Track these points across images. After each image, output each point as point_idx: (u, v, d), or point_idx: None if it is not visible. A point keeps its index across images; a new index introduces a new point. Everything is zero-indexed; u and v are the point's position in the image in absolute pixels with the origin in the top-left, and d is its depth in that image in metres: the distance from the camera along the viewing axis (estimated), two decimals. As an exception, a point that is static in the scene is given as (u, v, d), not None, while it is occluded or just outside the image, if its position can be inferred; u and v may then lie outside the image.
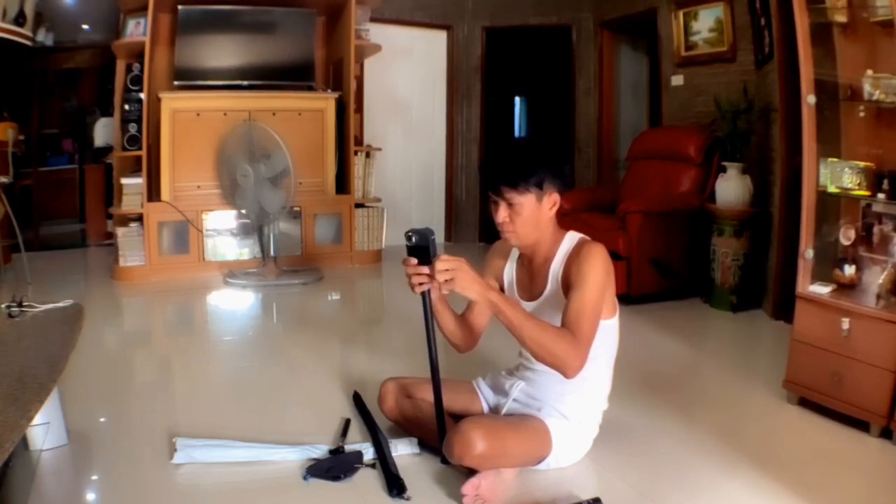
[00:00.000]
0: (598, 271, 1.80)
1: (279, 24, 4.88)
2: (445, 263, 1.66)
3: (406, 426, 2.13)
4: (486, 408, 2.10)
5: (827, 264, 2.45)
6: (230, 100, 4.72)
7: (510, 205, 1.84)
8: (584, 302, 1.76)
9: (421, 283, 1.72)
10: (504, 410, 2.01)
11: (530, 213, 1.85)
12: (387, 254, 5.27)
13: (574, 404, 1.92)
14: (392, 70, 5.82)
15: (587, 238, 1.93)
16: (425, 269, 1.70)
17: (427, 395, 2.04)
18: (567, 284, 1.84)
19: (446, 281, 1.67)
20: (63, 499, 1.87)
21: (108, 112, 5.41)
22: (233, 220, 4.77)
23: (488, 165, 1.96)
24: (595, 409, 1.98)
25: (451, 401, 2.01)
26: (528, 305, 1.94)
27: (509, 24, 6.13)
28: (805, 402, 2.43)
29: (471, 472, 1.78)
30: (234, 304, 4.24)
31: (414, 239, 1.69)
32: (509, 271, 2.06)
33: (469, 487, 1.72)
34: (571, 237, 1.94)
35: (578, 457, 1.97)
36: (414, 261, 1.71)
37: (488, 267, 2.10)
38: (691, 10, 4.75)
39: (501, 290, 2.05)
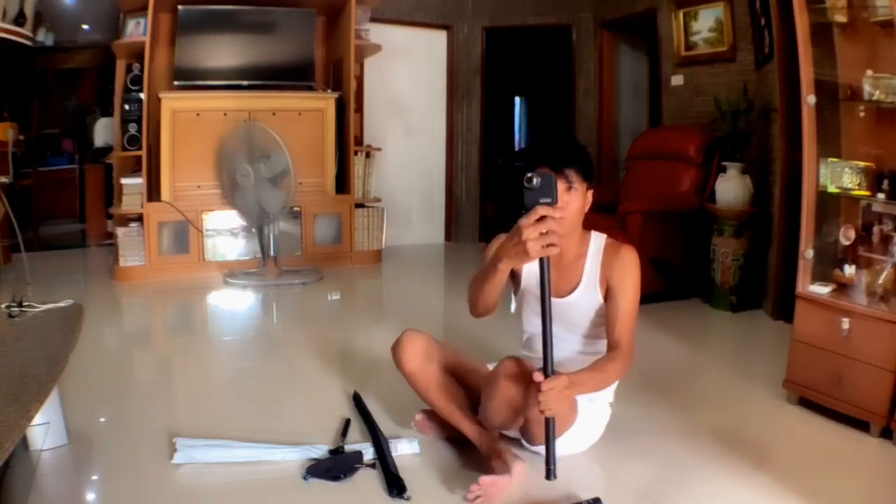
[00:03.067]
0: (638, 278, 1.88)
1: (279, 24, 4.88)
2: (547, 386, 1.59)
3: (424, 390, 2.00)
4: None
5: (827, 264, 2.45)
6: (230, 100, 4.72)
7: (569, 189, 1.79)
8: (629, 311, 1.85)
9: (549, 245, 1.50)
10: None
11: (580, 205, 1.84)
12: (387, 254, 5.27)
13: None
14: (392, 70, 5.82)
15: (613, 240, 1.97)
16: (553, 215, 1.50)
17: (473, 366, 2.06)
18: (607, 285, 1.89)
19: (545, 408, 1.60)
20: (63, 499, 1.87)
21: (108, 112, 5.41)
22: (233, 220, 4.77)
23: (532, 142, 1.93)
24: (609, 392, 2.03)
25: (470, 378, 2.03)
26: (557, 301, 1.92)
27: (509, 24, 6.13)
28: (805, 402, 2.43)
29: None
30: (234, 304, 4.24)
31: (535, 181, 1.46)
32: (529, 265, 1.96)
33: (486, 481, 1.73)
34: (598, 237, 1.97)
35: (594, 439, 2.01)
36: (541, 212, 1.47)
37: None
38: (691, 10, 4.75)
39: (514, 279, 2.03)
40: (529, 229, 1.48)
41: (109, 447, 2.11)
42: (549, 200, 1.47)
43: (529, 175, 1.44)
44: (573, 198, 1.80)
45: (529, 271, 1.99)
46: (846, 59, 2.41)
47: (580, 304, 1.94)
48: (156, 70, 4.70)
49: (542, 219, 1.48)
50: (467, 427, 1.96)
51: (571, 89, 6.19)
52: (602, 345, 1.95)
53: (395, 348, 2.03)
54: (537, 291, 1.85)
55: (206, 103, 4.68)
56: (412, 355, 1.98)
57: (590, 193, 1.87)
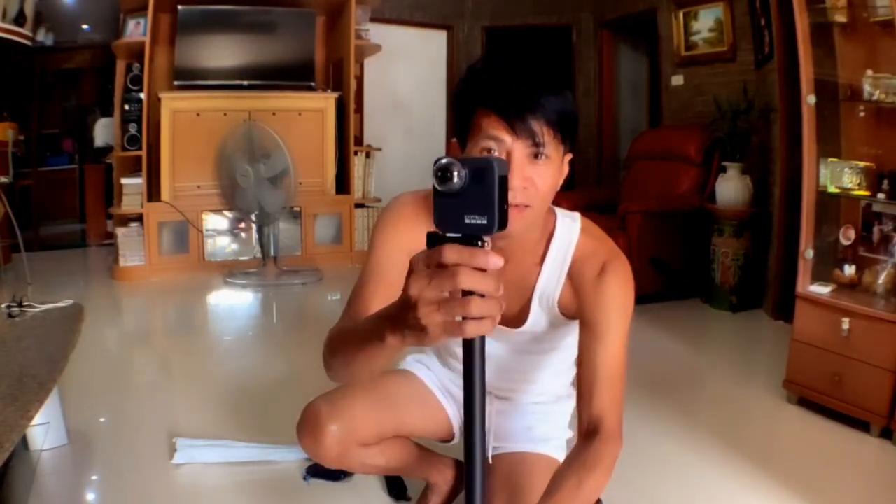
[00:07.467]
0: (629, 308, 1.17)
1: (279, 24, 4.88)
2: None
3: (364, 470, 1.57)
4: (456, 429, 1.57)
5: (827, 264, 2.45)
6: (230, 100, 4.72)
7: (537, 154, 1.03)
8: (617, 365, 1.12)
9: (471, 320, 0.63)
10: (490, 452, 1.45)
11: (552, 183, 1.07)
12: (387, 254, 5.26)
13: (568, 412, 1.50)
14: (392, 70, 5.82)
15: (595, 234, 1.23)
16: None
17: (404, 426, 1.49)
18: (574, 312, 1.21)
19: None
20: (63, 499, 1.87)
21: (108, 112, 5.41)
22: (233, 221, 4.77)
23: (472, 74, 1.19)
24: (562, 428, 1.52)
25: (420, 425, 1.53)
26: (500, 330, 1.24)
27: (509, 24, 6.13)
28: (805, 402, 2.43)
29: None
30: (234, 304, 4.24)
31: (455, 175, 0.61)
32: None
33: None
34: (567, 222, 1.22)
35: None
36: (451, 257, 0.62)
37: (393, 249, 1.21)
38: (691, 10, 4.75)
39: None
40: (427, 294, 0.65)
41: (109, 447, 2.11)
42: (482, 222, 0.62)
43: (444, 162, 0.61)
44: (543, 172, 1.03)
45: None
46: (846, 59, 2.41)
47: (537, 335, 1.27)
48: (156, 70, 4.70)
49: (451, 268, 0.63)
50: (425, 473, 1.65)
51: (571, 89, 6.15)
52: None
53: (303, 439, 1.41)
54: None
55: (206, 103, 4.68)
56: (325, 452, 1.37)
57: (566, 160, 1.11)
